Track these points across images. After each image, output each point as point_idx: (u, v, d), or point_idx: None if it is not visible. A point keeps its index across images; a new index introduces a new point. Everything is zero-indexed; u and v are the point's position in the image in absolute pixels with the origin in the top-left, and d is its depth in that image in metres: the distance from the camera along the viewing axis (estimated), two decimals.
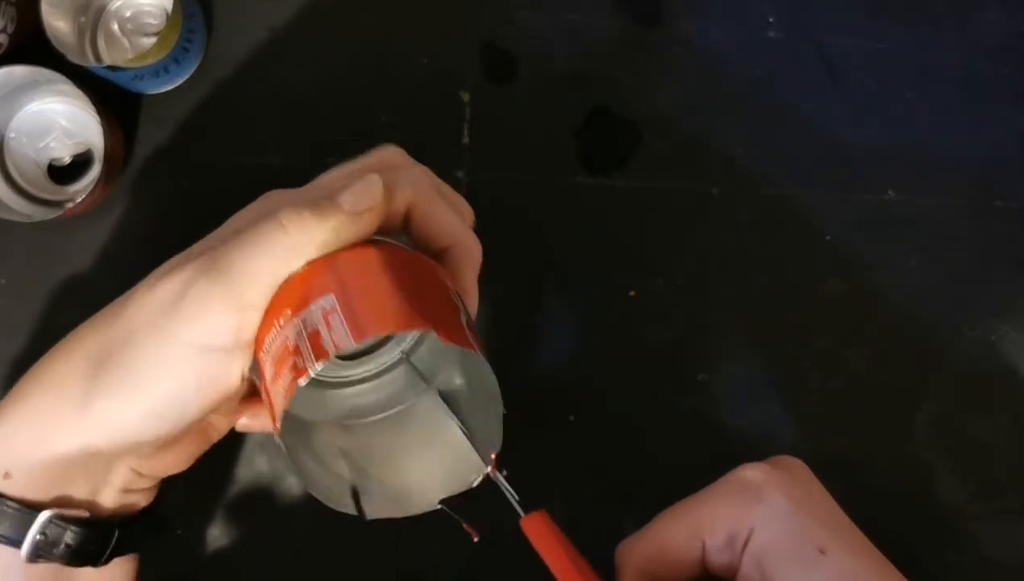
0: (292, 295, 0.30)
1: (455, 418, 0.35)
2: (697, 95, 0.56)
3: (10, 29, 0.49)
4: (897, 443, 0.55)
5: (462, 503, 0.34)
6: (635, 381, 0.54)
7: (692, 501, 0.34)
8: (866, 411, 0.55)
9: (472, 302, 0.37)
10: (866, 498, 0.54)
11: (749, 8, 0.57)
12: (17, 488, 0.31)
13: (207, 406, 0.31)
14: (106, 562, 0.34)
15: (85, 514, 0.33)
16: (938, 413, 0.55)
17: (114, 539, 0.34)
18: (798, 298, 0.55)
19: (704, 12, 0.57)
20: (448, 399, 0.36)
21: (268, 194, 0.35)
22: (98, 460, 0.32)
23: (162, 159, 0.53)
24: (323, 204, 0.31)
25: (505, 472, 0.34)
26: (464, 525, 0.34)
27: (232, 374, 0.31)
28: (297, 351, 0.28)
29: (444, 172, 0.54)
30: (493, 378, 0.32)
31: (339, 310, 0.29)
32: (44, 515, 0.31)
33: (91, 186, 0.48)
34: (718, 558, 0.32)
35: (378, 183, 0.32)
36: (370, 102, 0.54)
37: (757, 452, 0.54)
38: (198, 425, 0.33)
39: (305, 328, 0.29)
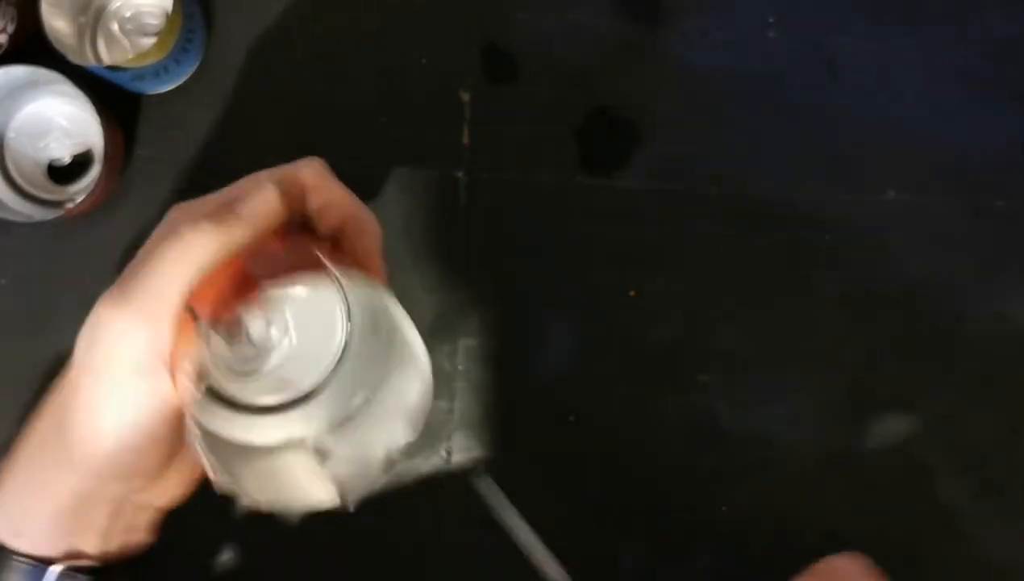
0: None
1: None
2: (697, 95, 0.56)
3: (10, 29, 0.49)
4: (897, 443, 0.55)
5: None
6: (635, 381, 0.54)
7: None
8: (866, 411, 0.55)
9: (381, 276, 0.38)
10: (866, 498, 0.54)
11: (749, 8, 0.57)
12: (28, 545, 0.32)
13: (170, 423, 0.32)
14: None
15: (94, 563, 0.34)
16: (938, 413, 0.55)
17: None
18: (798, 298, 0.55)
19: (704, 12, 0.57)
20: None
21: (173, 207, 0.36)
22: (98, 505, 0.33)
23: (162, 159, 0.53)
24: (221, 213, 0.32)
25: None
26: None
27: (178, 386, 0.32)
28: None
29: (444, 172, 0.54)
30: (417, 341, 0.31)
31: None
32: (56, 569, 0.32)
33: (91, 186, 0.48)
34: None
35: (273, 193, 0.33)
36: (370, 102, 0.54)
37: (757, 452, 0.54)
38: (182, 448, 0.34)
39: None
